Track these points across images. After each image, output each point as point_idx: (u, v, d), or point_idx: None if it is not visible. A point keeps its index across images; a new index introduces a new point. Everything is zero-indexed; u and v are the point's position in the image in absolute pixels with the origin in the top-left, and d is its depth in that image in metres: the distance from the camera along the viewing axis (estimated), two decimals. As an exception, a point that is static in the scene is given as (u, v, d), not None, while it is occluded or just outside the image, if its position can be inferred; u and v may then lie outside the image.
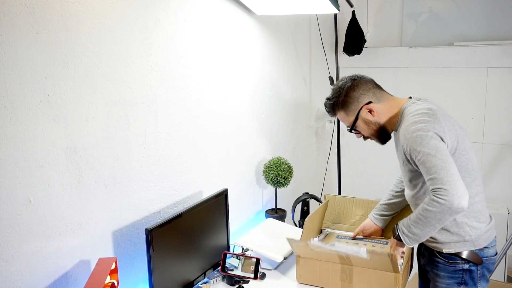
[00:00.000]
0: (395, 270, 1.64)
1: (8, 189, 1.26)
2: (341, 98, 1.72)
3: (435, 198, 1.47)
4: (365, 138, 1.79)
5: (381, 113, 1.71)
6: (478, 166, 1.67)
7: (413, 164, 1.59)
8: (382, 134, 1.75)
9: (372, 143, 1.83)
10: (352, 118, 1.73)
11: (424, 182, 1.59)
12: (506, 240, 2.74)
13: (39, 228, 1.35)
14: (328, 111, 1.80)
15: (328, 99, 1.78)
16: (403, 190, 1.94)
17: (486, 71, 2.99)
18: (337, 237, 2.01)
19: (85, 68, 1.43)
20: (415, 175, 1.64)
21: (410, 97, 1.73)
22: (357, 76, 1.75)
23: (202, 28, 1.93)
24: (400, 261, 1.71)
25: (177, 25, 1.79)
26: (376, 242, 1.93)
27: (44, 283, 1.38)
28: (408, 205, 1.97)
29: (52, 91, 1.34)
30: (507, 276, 2.91)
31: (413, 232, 1.57)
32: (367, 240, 1.96)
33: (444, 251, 1.66)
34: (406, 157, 1.60)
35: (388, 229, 1.99)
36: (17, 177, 1.27)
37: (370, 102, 1.70)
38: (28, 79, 1.27)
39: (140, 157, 1.68)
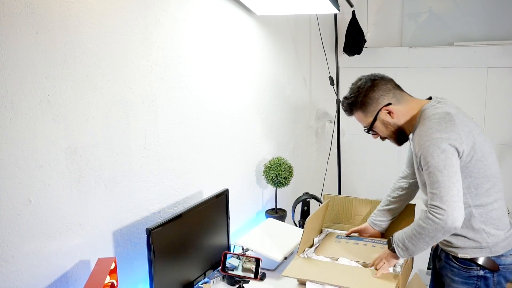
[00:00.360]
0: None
1: (8, 189, 1.26)
2: (360, 98, 1.68)
3: (430, 216, 1.47)
4: (382, 138, 1.77)
5: (400, 115, 1.66)
6: (499, 171, 1.63)
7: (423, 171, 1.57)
8: (400, 136, 1.72)
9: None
10: (370, 119, 1.69)
11: None
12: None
13: (39, 228, 1.35)
14: (345, 110, 1.76)
15: (345, 98, 1.74)
16: (400, 196, 1.93)
17: (486, 71, 2.98)
18: (337, 237, 2.01)
19: (85, 68, 1.43)
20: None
21: (430, 97, 1.69)
22: (377, 76, 1.70)
23: (202, 28, 1.93)
24: (390, 270, 1.70)
25: (177, 25, 1.79)
26: (376, 242, 1.93)
27: (44, 283, 1.38)
28: (406, 209, 1.97)
29: (52, 91, 1.34)
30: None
31: (406, 246, 1.57)
32: (367, 240, 1.96)
33: (459, 255, 1.63)
34: (418, 162, 1.58)
35: (388, 233, 1.99)
36: (17, 177, 1.27)
37: (389, 104, 1.66)
38: (28, 79, 1.27)
39: (140, 157, 1.68)
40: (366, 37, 3.14)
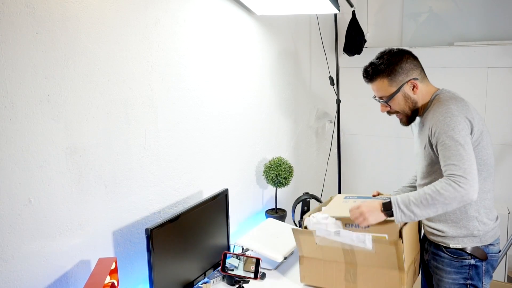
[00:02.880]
0: (400, 265, 1.62)
1: (8, 189, 1.26)
2: (391, 66, 1.66)
3: (453, 183, 1.47)
4: (390, 113, 1.75)
5: (419, 94, 1.69)
6: (494, 165, 1.68)
7: (434, 150, 1.59)
8: (413, 115, 1.73)
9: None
10: (393, 90, 1.67)
11: (441, 172, 1.58)
12: (506, 240, 2.74)
13: (39, 228, 1.35)
14: (365, 76, 1.71)
15: (372, 63, 1.70)
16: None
17: (486, 71, 2.98)
18: (345, 197, 1.92)
19: (85, 68, 1.43)
20: (434, 161, 1.64)
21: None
22: (408, 50, 1.71)
23: (202, 28, 1.93)
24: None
25: (177, 25, 1.79)
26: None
27: (44, 283, 1.38)
28: None
29: (52, 91, 1.34)
30: (507, 276, 2.91)
31: (411, 210, 1.53)
32: (377, 198, 1.89)
33: (451, 246, 1.67)
34: (430, 140, 1.60)
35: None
36: (17, 177, 1.27)
37: (416, 79, 1.67)
38: (28, 79, 1.27)
39: (140, 157, 1.68)
40: (366, 37, 3.14)
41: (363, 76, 1.73)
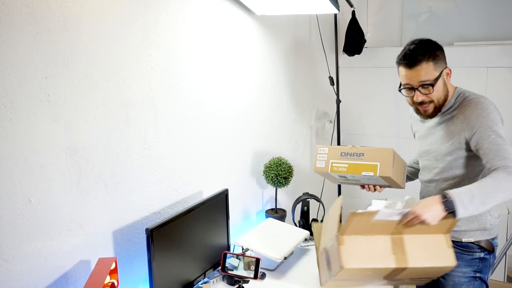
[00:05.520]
0: (444, 228, 1.54)
1: (8, 189, 1.26)
2: (433, 51, 1.66)
3: None
4: (424, 103, 1.70)
5: (448, 84, 1.72)
6: None
7: (472, 145, 1.61)
8: (441, 106, 1.72)
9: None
10: (437, 74, 1.66)
11: (465, 175, 1.65)
12: (506, 240, 2.74)
13: (39, 228, 1.35)
14: (410, 60, 1.65)
15: (414, 48, 1.66)
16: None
17: (486, 71, 2.98)
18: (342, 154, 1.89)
19: (85, 68, 1.43)
20: (461, 156, 1.66)
21: None
22: None
23: (202, 28, 1.93)
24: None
25: (177, 25, 1.79)
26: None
27: (44, 283, 1.38)
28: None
29: (52, 91, 1.34)
30: (507, 276, 2.91)
31: (475, 205, 1.46)
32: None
33: (463, 240, 1.71)
34: (466, 138, 1.63)
35: None
36: (17, 177, 1.27)
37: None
38: (28, 79, 1.27)
39: (140, 157, 1.68)
40: (366, 37, 3.14)
41: (406, 61, 1.66)
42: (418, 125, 1.89)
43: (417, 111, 1.77)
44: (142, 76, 1.65)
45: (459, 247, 1.72)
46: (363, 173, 1.78)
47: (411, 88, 1.69)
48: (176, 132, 1.84)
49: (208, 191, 2.02)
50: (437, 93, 1.68)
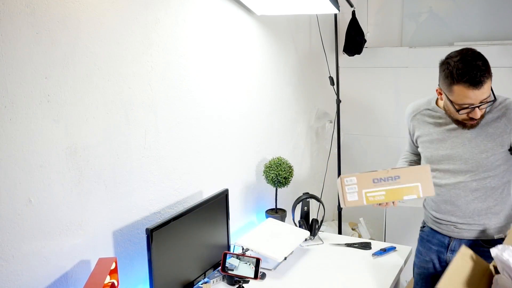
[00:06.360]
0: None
1: (8, 189, 1.26)
2: (489, 66, 1.58)
3: None
4: (477, 119, 1.65)
5: None
6: None
7: None
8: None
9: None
10: (490, 89, 1.61)
11: (495, 174, 1.69)
12: (506, 240, 2.74)
13: (39, 228, 1.35)
14: (480, 76, 1.55)
15: (477, 66, 1.55)
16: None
17: (486, 71, 2.98)
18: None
19: (85, 68, 1.43)
20: (498, 164, 1.69)
21: None
22: None
23: (202, 28, 1.93)
24: None
25: (177, 25, 1.79)
26: None
27: (44, 283, 1.38)
28: None
29: (52, 91, 1.34)
30: (507, 276, 2.91)
31: None
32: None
33: (495, 237, 1.73)
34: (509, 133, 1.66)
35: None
36: (17, 177, 1.27)
37: None
38: (28, 79, 1.27)
39: (140, 157, 1.68)
40: (366, 37, 3.14)
41: (475, 83, 1.55)
42: (427, 128, 1.80)
43: (459, 123, 1.68)
44: (142, 76, 1.65)
45: (488, 245, 1.67)
46: (405, 197, 1.66)
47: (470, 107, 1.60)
48: (176, 132, 1.84)
49: (208, 191, 2.02)
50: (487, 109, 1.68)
